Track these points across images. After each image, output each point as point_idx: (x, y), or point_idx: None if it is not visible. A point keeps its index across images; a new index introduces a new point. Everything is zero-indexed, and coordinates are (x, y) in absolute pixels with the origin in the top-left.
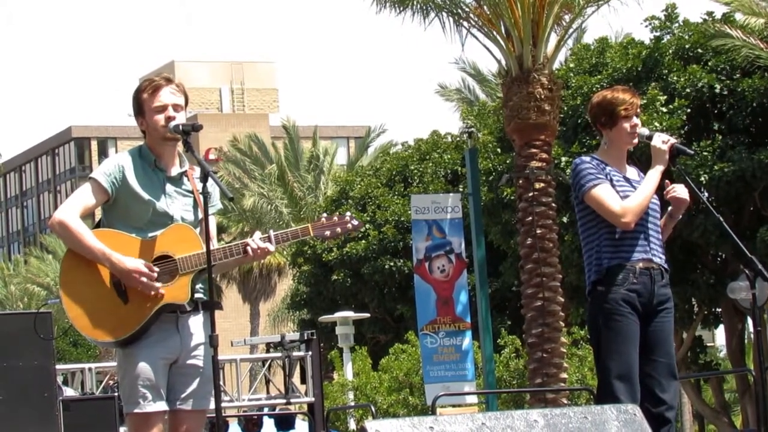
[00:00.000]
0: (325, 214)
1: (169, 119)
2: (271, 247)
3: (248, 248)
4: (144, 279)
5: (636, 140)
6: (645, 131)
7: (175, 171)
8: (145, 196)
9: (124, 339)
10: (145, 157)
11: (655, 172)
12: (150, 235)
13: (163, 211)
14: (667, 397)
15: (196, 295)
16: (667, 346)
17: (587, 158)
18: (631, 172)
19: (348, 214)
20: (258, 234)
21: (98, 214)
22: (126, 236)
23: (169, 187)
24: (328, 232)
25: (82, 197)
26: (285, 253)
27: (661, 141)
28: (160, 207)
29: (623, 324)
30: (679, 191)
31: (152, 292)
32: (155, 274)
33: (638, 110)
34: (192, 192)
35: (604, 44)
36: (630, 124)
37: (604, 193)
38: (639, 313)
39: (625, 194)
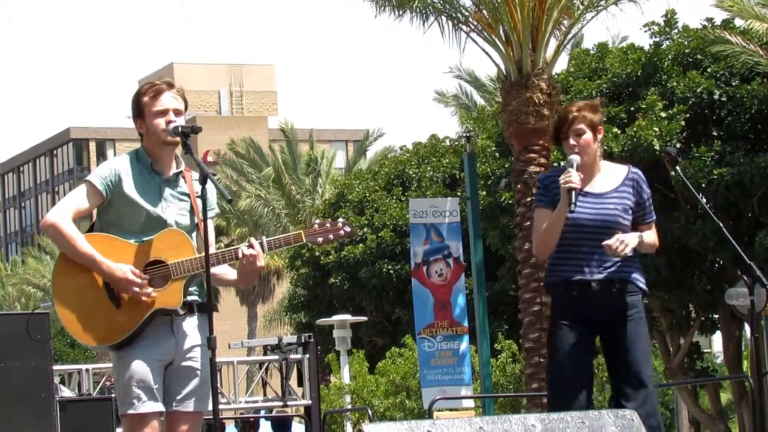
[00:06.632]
0: (318, 220)
1: (169, 123)
2: (263, 255)
3: (239, 252)
4: (134, 287)
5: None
6: (575, 158)
7: (171, 173)
8: (141, 200)
9: (118, 343)
10: (141, 161)
11: (559, 207)
12: (144, 239)
13: (158, 215)
14: (631, 406)
15: (191, 297)
16: (633, 355)
17: (546, 175)
18: (604, 179)
19: (341, 220)
20: (252, 240)
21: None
22: (119, 241)
23: (166, 191)
24: (320, 239)
25: (76, 200)
26: (283, 256)
27: (563, 180)
28: (155, 212)
29: (559, 336)
30: (613, 243)
31: (144, 298)
32: (145, 281)
33: (575, 125)
34: (188, 195)
35: (603, 49)
36: (567, 144)
37: (536, 219)
38: (581, 326)
39: (578, 208)
